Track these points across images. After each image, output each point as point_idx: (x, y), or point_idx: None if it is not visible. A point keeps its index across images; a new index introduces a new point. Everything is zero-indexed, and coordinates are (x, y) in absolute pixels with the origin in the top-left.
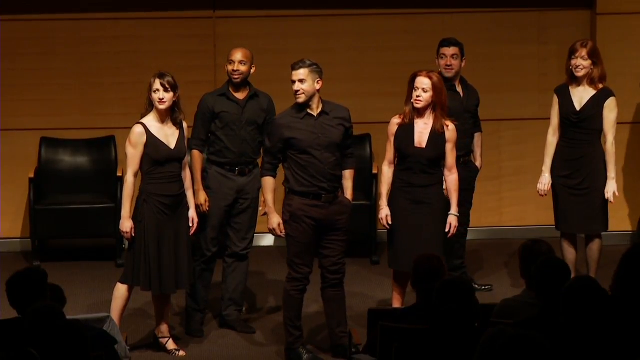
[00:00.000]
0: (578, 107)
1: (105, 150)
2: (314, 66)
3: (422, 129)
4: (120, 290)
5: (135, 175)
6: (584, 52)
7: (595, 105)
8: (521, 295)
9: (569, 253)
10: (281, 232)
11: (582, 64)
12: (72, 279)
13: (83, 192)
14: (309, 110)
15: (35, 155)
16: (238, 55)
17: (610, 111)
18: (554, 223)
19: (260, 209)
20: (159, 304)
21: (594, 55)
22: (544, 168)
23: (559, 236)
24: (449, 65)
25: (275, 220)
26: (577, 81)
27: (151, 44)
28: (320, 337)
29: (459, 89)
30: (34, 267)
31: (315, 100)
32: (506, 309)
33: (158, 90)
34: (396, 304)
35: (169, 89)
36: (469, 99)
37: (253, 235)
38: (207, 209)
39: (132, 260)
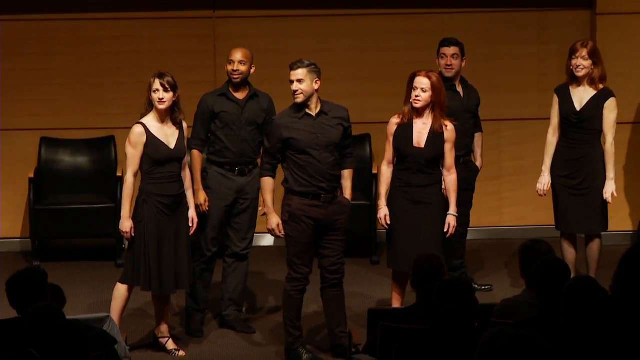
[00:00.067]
0: (578, 107)
1: (105, 150)
2: (312, 66)
3: (421, 129)
4: (120, 290)
5: (135, 175)
6: (584, 52)
7: (596, 105)
8: (521, 295)
9: (569, 253)
10: (280, 233)
11: (582, 63)
12: (72, 279)
13: (83, 192)
14: (307, 110)
15: (35, 155)
16: (238, 55)
17: (610, 112)
18: (554, 223)
19: (260, 209)
20: (159, 304)
21: (594, 55)
22: (543, 168)
23: (559, 236)
24: (449, 65)
25: (275, 220)
26: (578, 81)
27: (151, 44)
28: (319, 337)
29: (459, 88)
30: (34, 267)
31: (314, 100)
32: (506, 309)
33: (158, 90)
34: (396, 303)
35: (169, 89)
36: (469, 98)
37: (253, 235)
38: (207, 208)
39: (132, 260)
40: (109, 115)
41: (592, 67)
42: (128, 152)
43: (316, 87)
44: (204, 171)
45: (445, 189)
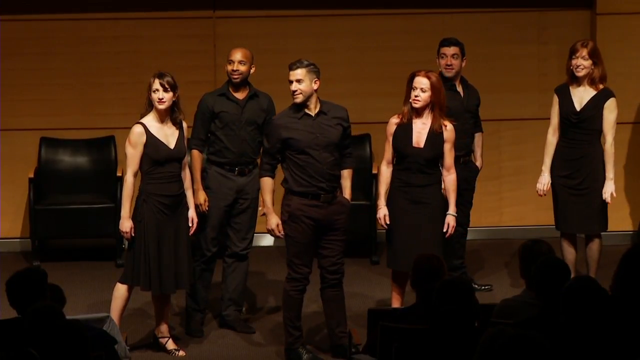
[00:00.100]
0: (578, 107)
1: (105, 150)
2: (311, 66)
3: (421, 129)
4: (120, 290)
5: (135, 175)
6: (584, 52)
7: (596, 105)
8: (521, 295)
9: (569, 253)
10: (280, 233)
11: (582, 63)
12: (72, 279)
13: (83, 192)
14: (306, 110)
15: (35, 155)
16: (237, 55)
17: (610, 112)
18: (553, 223)
19: (260, 209)
20: (159, 304)
21: (594, 55)
22: (543, 168)
23: (559, 236)
24: (449, 65)
25: (274, 221)
26: (578, 81)
27: (151, 44)
28: (319, 337)
29: (460, 88)
30: (33, 267)
31: (313, 100)
32: (506, 309)
33: (157, 90)
34: (395, 303)
35: (169, 89)
36: (469, 98)
37: (253, 235)
38: (207, 208)
39: (132, 260)
40: (109, 115)
41: (593, 67)
42: (128, 152)
43: (315, 87)
44: (203, 171)
45: (445, 189)
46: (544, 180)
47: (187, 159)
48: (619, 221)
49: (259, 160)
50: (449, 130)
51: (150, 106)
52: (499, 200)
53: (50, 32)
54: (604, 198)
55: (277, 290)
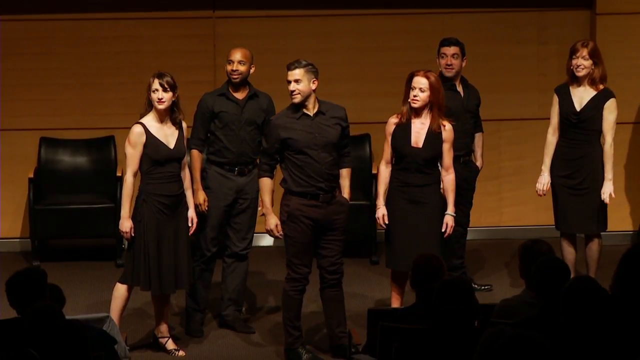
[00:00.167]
0: (578, 107)
1: (104, 150)
2: (310, 66)
3: (419, 129)
4: (120, 290)
5: (135, 175)
6: (585, 52)
7: (596, 106)
8: (521, 295)
9: (569, 253)
10: (279, 233)
11: (583, 63)
12: (72, 279)
13: (83, 192)
14: (305, 110)
15: (34, 155)
16: (237, 55)
17: (610, 112)
18: (553, 223)
19: (259, 209)
20: (159, 304)
21: (594, 55)
22: (543, 167)
23: (558, 236)
24: (449, 65)
25: (273, 221)
26: (578, 81)
27: (151, 44)
28: (319, 337)
29: (460, 88)
30: (33, 267)
31: (311, 100)
32: (506, 309)
33: (157, 90)
34: (395, 303)
35: (168, 89)
36: (469, 98)
37: (253, 235)
38: (206, 208)
39: (132, 260)
40: (109, 115)
41: (593, 67)
42: (127, 152)
43: (313, 87)
44: (203, 171)
45: (443, 188)
46: (544, 180)
47: (186, 159)
48: (619, 221)
49: (258, 160)
50: (447, 130)
51: (149, 106)
52: (498, 200)
53: (50, 32)
54: (602, 199)
55: (276, 290)
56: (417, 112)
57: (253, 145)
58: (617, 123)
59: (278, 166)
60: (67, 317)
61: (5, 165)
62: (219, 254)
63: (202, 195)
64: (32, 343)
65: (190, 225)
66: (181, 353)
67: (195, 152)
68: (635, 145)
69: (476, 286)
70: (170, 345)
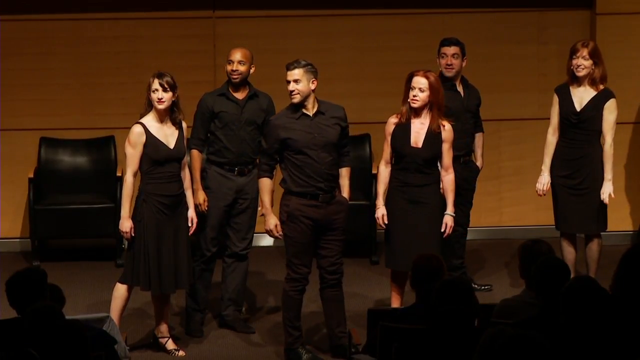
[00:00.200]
0: (578, 107)
1: (104, 150)
2: (309, 66)
3: (419, 129)
4: (120, 290)
5: (135, 175)
6: (585, 52)
7: (596, 106)
8: (521, 295)
9: (569, 253)
10: (278, 234)
11: (583, 63)
12: (72, 279)
13: (83, 192)
14: (304, 111)
15: (34, 155)
16: (237, 55)
17: (610, 113)
18: (553, 223)
19: (259, 209)
20: (159, 304)
21: (595, 55)
22: (543, 167)
23: (558, 236)
24: (449, 65)
25: (273, 221)
26: (578, 81)
27: (151, 44)
28: (319, 337)
29: (460, 88)
30: (33, 267)
31: (311, 100)
32: (506, 309)
33: (157, 90)
34: (395, 303)
35: (168, 89)
36: (469, 98)
37: (252, 235)
38: (206, 208)
39: (132, 260)
40: (109, 115)
41: (593, 67)
42: (127, 152)
43: (313, 87)
44: (203, 171)
45: (443, 188)
46: (544, 180)
47: (186, 159)
48: (619, 221)
49: (258, 160)
50: (447, 130)
51: (149, 106)
52: (498, 200)
53: (50, 32)
54: (602, 199)
55: (276, 290)
56: (417, 112)
57: (253, 145)
58: (617, 123)
59: (278, 166)
60: (67, 317)
61: (5, 165)
62: (219, 254)
63: (202, 195)
64: (32, 343)
65: (190, 225)
66: (181, 353)
67: (195, 152)
68: (635, 145)
69: (476, 286)
70: (170, 345)
